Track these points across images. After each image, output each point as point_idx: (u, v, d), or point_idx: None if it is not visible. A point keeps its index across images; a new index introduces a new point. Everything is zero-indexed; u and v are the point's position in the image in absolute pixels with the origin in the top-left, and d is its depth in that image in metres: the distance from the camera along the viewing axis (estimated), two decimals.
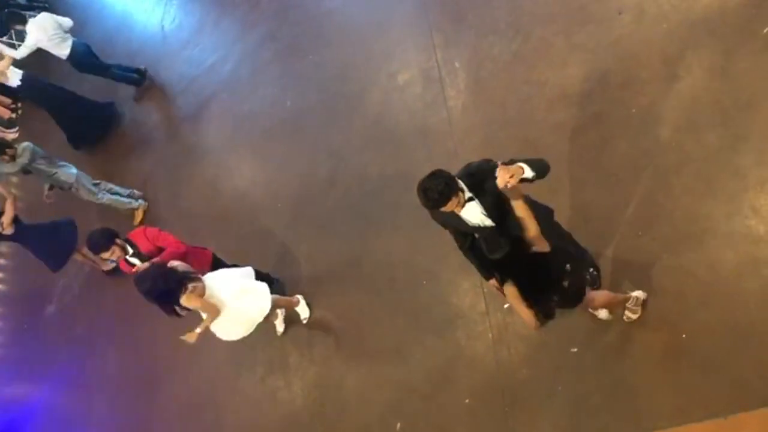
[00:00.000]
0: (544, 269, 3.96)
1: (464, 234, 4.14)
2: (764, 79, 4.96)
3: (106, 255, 5.64)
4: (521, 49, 6.28)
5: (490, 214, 3.98)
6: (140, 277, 5.16)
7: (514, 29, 6.40)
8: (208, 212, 7.66)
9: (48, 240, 7.60)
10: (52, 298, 8.50)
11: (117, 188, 8.04)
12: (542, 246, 3.81)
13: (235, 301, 5.49)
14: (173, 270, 5.20)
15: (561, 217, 5.32)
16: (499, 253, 3.75)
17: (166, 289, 5.11)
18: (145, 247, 5.64)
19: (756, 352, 4.34)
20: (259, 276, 6.35)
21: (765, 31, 5.08)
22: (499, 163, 3.78)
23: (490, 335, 5.32)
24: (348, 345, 6.07)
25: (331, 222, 6.65)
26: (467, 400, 5.29)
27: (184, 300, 5.14)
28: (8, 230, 7.17)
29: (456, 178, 3.91)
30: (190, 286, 5.19)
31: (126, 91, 9.36)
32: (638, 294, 4.78)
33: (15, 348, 8.75)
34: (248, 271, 5.79)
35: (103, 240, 5.61)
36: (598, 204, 5.28)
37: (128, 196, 8.08)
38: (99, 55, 8.89)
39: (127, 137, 9.08)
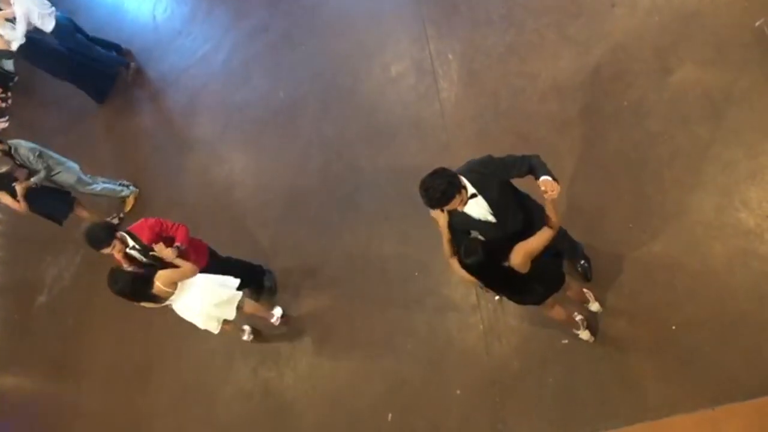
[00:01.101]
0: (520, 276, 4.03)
1: (462, 233, 4.14)
2: (755, 73, 4.99)
3: (107, 250, 5.55)
4: (514, 41, 6.28)
5: (492, 211, 4.03)
6: (112, 278, 5.27)
7: (507, 21, 6.40)
8: (199, 202, 7.63)
9: (50, 196, 7.59)
10: (43, 289, 8.46)
11: (107, 180, 8.00)
12: (522, 266, 3.88)
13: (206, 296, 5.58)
14: (145, 283, 5.28)
15: None
16: (473, 259, 3.78)
17: (132, 295, 5.31)
18: (147, 238, 5.56)
19: (743, 345, 4.38)
20: (251, 269, 6.44)
21: (756, 24, 5.09)
22: (544, 178, 3.91)
23: (482, 327, 5.34)
24: (339, 336, 6.08)
25: (323, 213, 6.64)
26: (458, 392, 5.32)
27: (158, 285, 5.31)
28: None
29: (459, 176, 3.90)
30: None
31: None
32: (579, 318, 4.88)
33: (4, 339, 8.72)
34: (233, 282, 5.78)
35: (104, 234, 5.52)
36: (589, 196, 5.31)
37: (119, 185, 8.05)
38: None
39: (118, 127, 9.02)
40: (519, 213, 4.15)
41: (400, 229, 6.04)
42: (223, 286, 5.66)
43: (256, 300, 6.49)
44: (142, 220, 5.73)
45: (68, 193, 7.70)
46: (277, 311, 6.37)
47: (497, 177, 4.01)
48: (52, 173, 7.36)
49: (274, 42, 8.12)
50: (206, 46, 8.73)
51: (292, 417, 6.03)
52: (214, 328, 5.70)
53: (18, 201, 7.21)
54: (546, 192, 3.85)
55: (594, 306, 4.93)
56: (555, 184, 3.87)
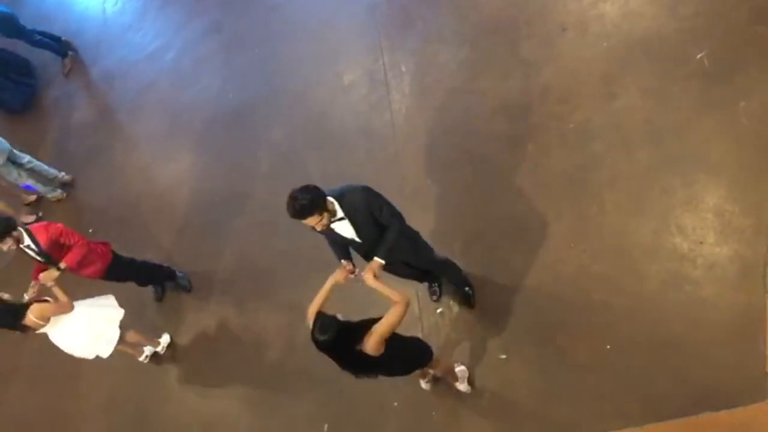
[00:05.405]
0: None
1: (341, 246, 4.45)
2: (694, 102, 5.18)
3: None
4: (466, 58, 6.36)
5: (358, 234, 4.26)
6: None
7: (461, 38, 6.48)
8: (140, 201, 7.47)
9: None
10: None
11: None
12: (375, 350, 3.93)
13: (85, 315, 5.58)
14: (14, 315, 5.23)
15: (495, 226, 5.47)
16: (324, 337, 3.82)
17: (5, 318, 5.27)
18: (45, 242, 5.52)
19: (673, 366, 4.51)
20: (158, 270, 6.49)
21: (698, 57, 5.29)
22: (375, 261, 4.24)
23: (421, 337, 5.34)
24: (277, 341, 6.01)
25: (269, 218, 6.56)
26: (396, 404, 5.31)
27: (30, 317, 5.24)
28: None
29: (325, 199, 4.08)
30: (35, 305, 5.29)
31: (55, 67, 9.14)
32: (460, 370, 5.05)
33: None
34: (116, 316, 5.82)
35: None
36: (531, 214, 5.39)
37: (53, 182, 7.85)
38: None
39: (60, 120, 8.76)
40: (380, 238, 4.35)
41: None
42: (105, 320, 5.69)
43: (160, 299, 6.65)
44: (46, 222, 5.71)
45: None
46: (164, 339, 6.42)
47: (368, 208, 4.21)
48: None
49: (227, 43, 8.03)
50: (156, 42, 8.57)
51: (228, 425, 5.92)
52: (108, 349, 5.73)
53: None
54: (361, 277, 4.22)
55: (462, 386, 5.01)
56: (370, 276, 4.17)
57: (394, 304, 3.95)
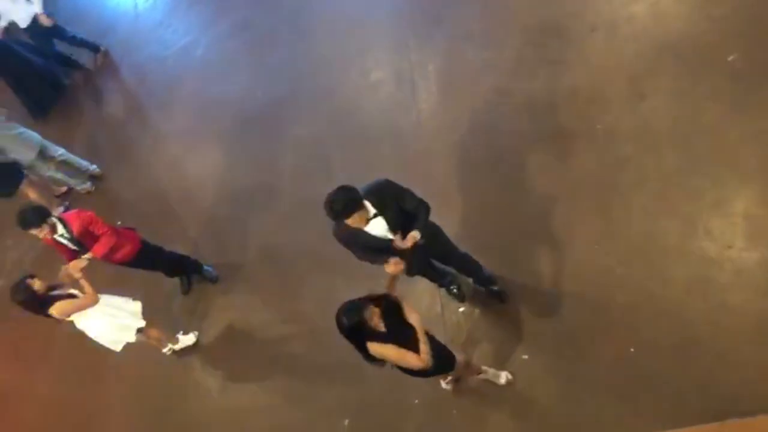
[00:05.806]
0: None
1: (375, 251, 4.41)
2: (724, 105, 5.12)
3: (35, 232, 5.61)
4: (493, 57, 6.35)
5: (390, 227, 4.27)
6: (14, 289, 5.44)
7: (488, 37, 6.47)
8: (166, 195, 7.55)
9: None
10: (2, 273, 8.27)
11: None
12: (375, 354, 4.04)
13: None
14: (42, 305, 5.45)
15: (519, 225, 5.46)
16: (343, 321, 3.91)
17: (27, 310, 5.52)
18: (77, 230, 5.64)
19: (698, 370, 4.47)
20: (183, 261, 6.58)
21: (729, 59, 5.23)
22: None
23: (444, 337, 5.34)
24: (300, 335, 6.05)
25: (294, 214, 6.61)
26: (416, 401, 5.32)
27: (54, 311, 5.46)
28: None
29: (362, 198, 4.12)
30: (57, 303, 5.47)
31: (88, 63, 9.28)
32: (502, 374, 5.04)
33: None
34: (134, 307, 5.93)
35: (35, 217, 5.56)
36: (557, 215, 5.37)
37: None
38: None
39: (91, 114, 8.90)
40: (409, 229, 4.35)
41: None
42: (122, 328, 5.80)
43: (187, 292, 6.72)
44: (76, 210, 5.85)
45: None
46: (189, 338, 6.46)
47: (394, 200, 4.26)
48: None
49: (255, 40, 8.10)
50: (186, 39, 8.67)
51: (249, 419, 5.97)
52: (119, 347, 5.87)
53: None
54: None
55: (502, 378, 5.01)
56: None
57: (419, 348, 4.04)
